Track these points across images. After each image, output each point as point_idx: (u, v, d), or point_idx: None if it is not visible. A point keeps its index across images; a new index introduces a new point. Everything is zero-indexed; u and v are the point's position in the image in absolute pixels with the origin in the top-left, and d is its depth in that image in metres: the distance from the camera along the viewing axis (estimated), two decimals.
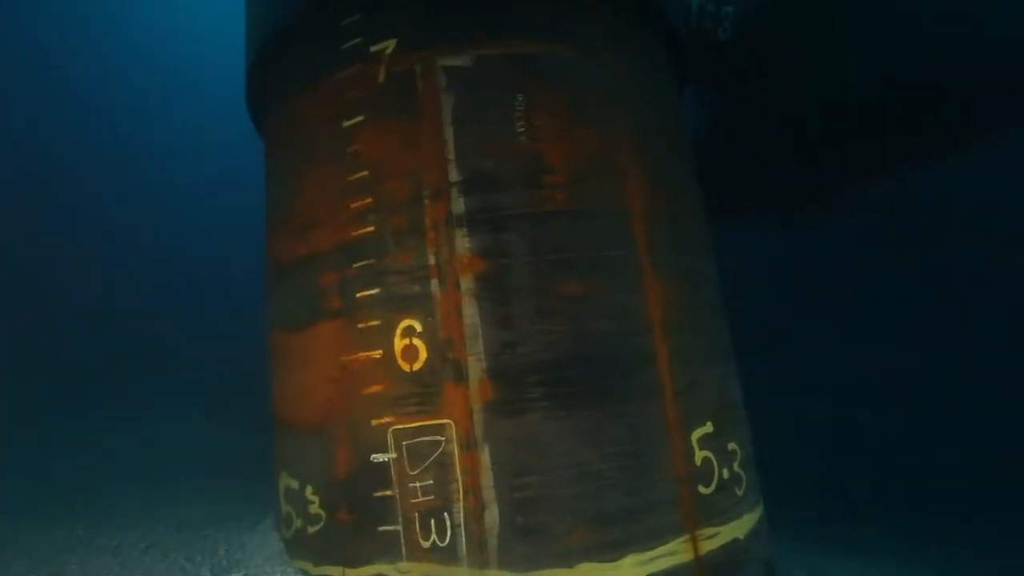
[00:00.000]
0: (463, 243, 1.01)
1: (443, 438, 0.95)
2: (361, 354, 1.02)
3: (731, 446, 1.11)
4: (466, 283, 0.99)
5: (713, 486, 1.04)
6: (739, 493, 1.09)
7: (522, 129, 1.07)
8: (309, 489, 1.06)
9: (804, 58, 1.79)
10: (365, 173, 1.09)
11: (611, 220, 1.08)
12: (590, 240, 1.05)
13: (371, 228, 1.06)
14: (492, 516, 0.92)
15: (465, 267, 1.00)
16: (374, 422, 0.99)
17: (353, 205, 1.08)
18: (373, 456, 0.98)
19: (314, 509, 1.05)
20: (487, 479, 0.92)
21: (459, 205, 1.03)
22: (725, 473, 1.07)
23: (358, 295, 1.05)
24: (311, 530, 1.05)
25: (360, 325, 1.03)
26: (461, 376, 0.96)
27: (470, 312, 0.98)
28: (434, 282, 1.00)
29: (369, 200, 1.07)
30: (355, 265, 1.06)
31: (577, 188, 1.07)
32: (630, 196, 1.11)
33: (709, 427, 1.07)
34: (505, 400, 0.95)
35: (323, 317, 1.08)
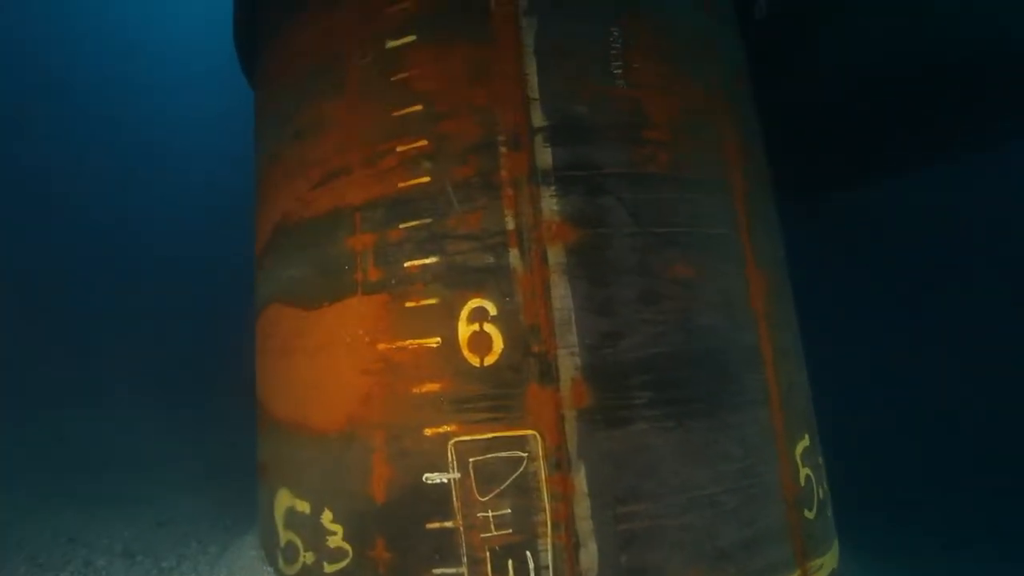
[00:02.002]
0: (551, 205, 0.79)
1: (525, 454, 0.74)
2: (411, 341, 0.79)
3: (820, 460, 0.98)
4: (555, 256, 0.78)
5: (815, 509, 0.89)
6: (829, 515, 0.96)
7: (619, 71, 0.87)
8: (327, 515, 0.81)
9: (839, 45, 1.71)
10: (418, 108, 0.84)
11: (714, 191, 0.90)
12: (695, 213, 0.86)
13: (426, 179, 0.82)
14: (590, 555, 0.72)
15: (554, 235, 0.79)
16: (429, 431, 0.76)
17: (400, 148, 0.84)
18: (427, 476, 0.75)
19: (335, 542, 0.80)
20: (583, 508, 0.72)
21: (545, 157, 0.81)
22: (820, 493, 0.93)
23: (407, 264, 0.81)
24: (330, 569, 0.80)
25: (410, 304, 0.79)
26: (549, 374, 0.75)
27: (561, 293, 0.77)
28: (513, 252, 0.78)
29: (424, 142, 0.83)
30: (403, 226, 0.82)
31: (679, 149, 0.88)
32: (730, 165, 0.94)
33: (807, 439, 0.93)
34: (605, 406, 0.75)
35: (354, 291, 0.83)
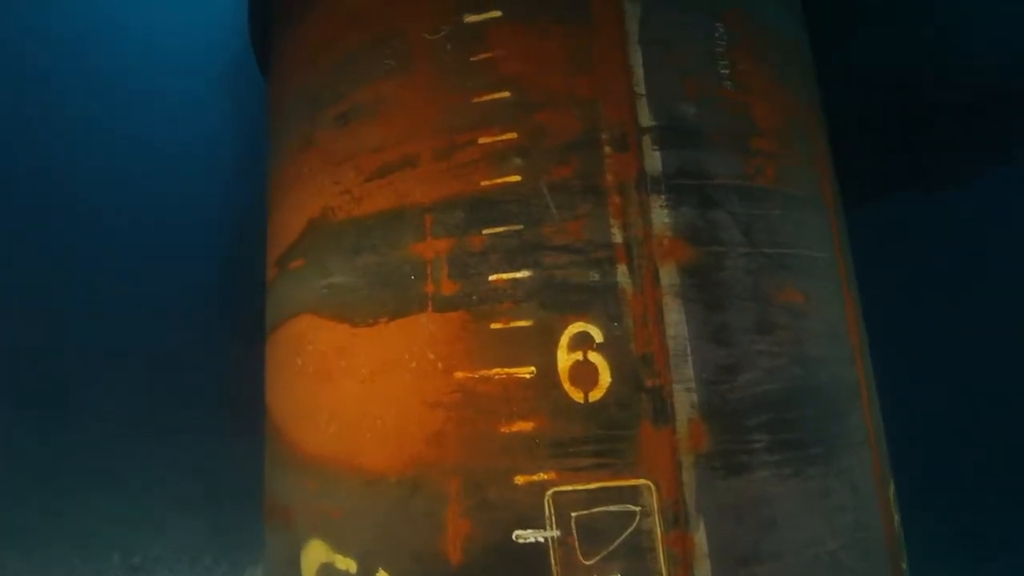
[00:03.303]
0: (662, 217, 0.69)
1: (638, 508, 0.63)
2: (498, 370, 0.66)
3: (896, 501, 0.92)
4: (668, 275, 0.68)
5: (906, 558, 0.84)
6: (904, 566, 0.90)
7: (726, 70, 0.78)
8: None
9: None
10: (505, 94, 0.72)
11: (815, 209, 0.83)
12: (800, 233, 0.78)
13: (516, 177, 0.70)
14: None
15: (666, 252, 0.68)
16: (520, 479, 0.64)
17: (484, 140, 0.72)
18: (518, 533, 0.63)
19: None
20: (703, 570, 0.62)
21: (654, 161, 0.71)
22: (903, 537, 0.88)
23: (492, 278, 0.68)
24: None
25: (496, 325, 0.67)
26: (664, 413, 0.65)
27: (675, 318, 0.67)
28: (621, 269, 0.67)
29: (512, 135, 0.71)
30: (487, 231, 0.69)
31: (784, 161, 0.80)
32: (823, 180, 0.87)
33: (891, 481, 0.87)
34: (724, 451, 0.65)
35: (422, 306, 0.70)
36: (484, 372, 0.66)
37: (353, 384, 0.73)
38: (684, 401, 0.65)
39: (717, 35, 0.78)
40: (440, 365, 0.68)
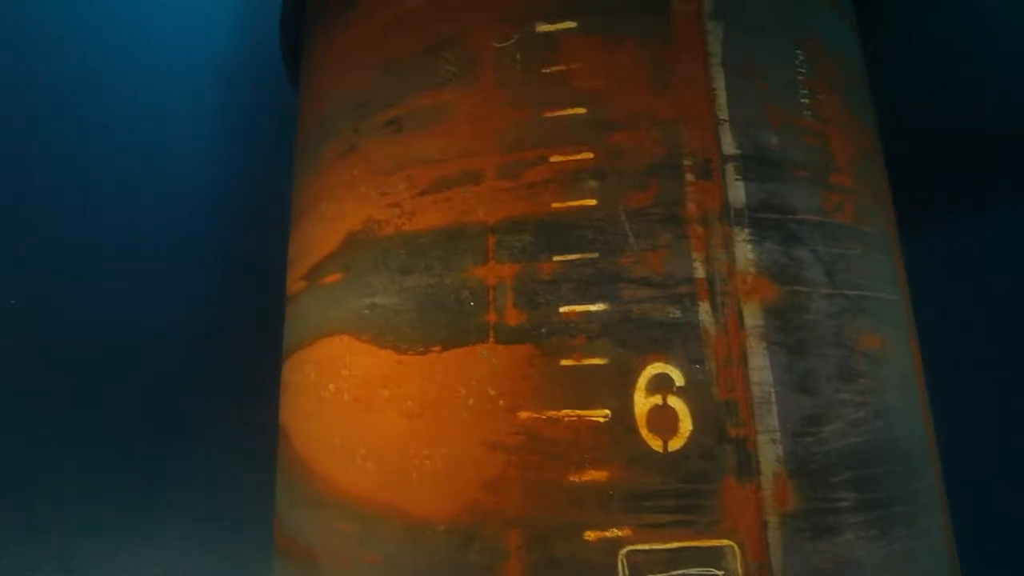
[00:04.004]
0: (746, 252, 0.64)
1: (721, 572, 0.57)
2: (568, 412, 0.60)
3: None
4: (752, 315, 0.63)
5: None
6: None
7: (806, 99, 0.74)
8: None
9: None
10: (580, 111, 0.67)
11: (886, 248, 0.79)
12: (875, 274, 0.75)
13: (591, 201, 0.65)
14: None
15: (750, 290, 0.64)
16: (591, 535, 0.58)
17: (556, 159, 0.66)
18: None
19: None
20: None
21: (737, 192, 0.66)
22: None
23: (564, 310, 0.63)
24: None
25: (567, 362, 0.61)
26: (749, 467, 0.59)
27: (759, 363, 0.62)
28: (704, 307, 0.62)
29: (588, 155, 0.66)
30: (558, 258, 0.64)
31: (860, 198, 0.76)
32: (889, 217, 0.84)
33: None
34: (810, 510, 0.60)
35: (483, 337, 0.64)
36: (552, 413, 0.60)
37: (398, 418, 0.67)
38: (769, 454, 0.60)
39: (797, 62, 0.74)
40: (502, 403, 0.62)
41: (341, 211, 0.79)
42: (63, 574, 1.03)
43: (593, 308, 0.62)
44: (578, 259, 0.63)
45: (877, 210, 0.79)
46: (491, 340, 0.63)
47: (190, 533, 1.25)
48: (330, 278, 0.79)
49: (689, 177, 0.65)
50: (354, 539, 0.68)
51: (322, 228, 0.82)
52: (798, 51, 0.75)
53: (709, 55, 0.69)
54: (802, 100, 0.73)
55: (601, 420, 0.59)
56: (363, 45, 0.83)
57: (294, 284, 0.90)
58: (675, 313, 0.62)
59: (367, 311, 0.72)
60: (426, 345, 0.66)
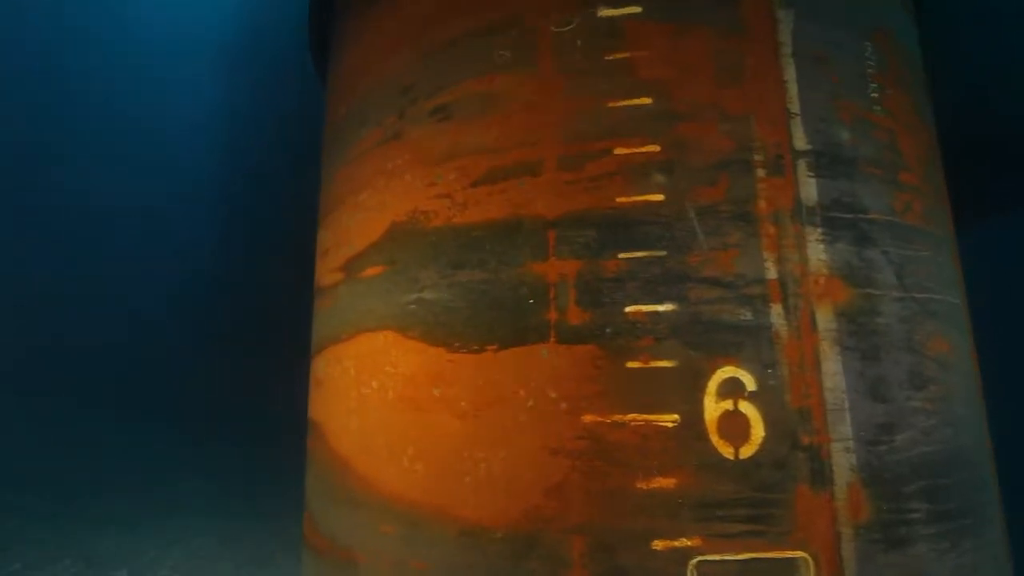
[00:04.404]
0: (818, 253, 0.62)
1: None
2: (635, 416, 0.58)
3: None
4: (824, 319, 0.61)
5: None
6: None
7: (875, 94, 0.71)
8: None
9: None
10: (646, 101, 0.64)
11: (949, 250, 0.77)
12: (941, 277, 0.72)
13: (658, 196, 0.62)
14: None
15: (823, 292, 0.61)
16: (659, 544, 0.56)
17: (621, 151, 0.63)
18: None
19: None
20: None
21: (809, 189, 0.64)
22: None
23: (629, 309, 0.60)
24: None
25: (633, 364, 0.59)
26: (822, 475, 0.57)
27: (832, 368, 0.60)
28: (776, 309, 0.60)
29: (655, 147, 0.63)
30: (624, 255, 0.61)
31: (927, 199, 0.74)
32: (949, 219, 0.82)
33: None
34: (884, 521, 0.58)
35: (543, 336, 0.61)
36: (618, 417, 0.58)
37: (450, 419, 0.64)
38: (843, 463, 0.58)
39: (867, 54, 0.71)
40: (564, 406, 0.59)
41: (383, 201, 0.76)
42: (83, 566, 1.01)
43: (661, 308, 0.59)
44: (645, 257, 0.60)
45: (940, 211, 0.77)
46: (552, 340, 0.60)
47: (206, 528, 1.22)
48: (371, 270, 0.75)
49: (760, 173, 0.62)
50: (400, 542, 0.66)
51: (361, 218, 0.79)
52: (867, 43, 0.72)
53: (779, 45, 0.66)
54: (872, 95, 0.70)
55: (669, 425, 0.57)
56: (407, 28, 0.79)
57: (328, 275, 0.87)
58: (746, 315, 0.59)
59: (414, 306, 0.69)
60: (481, 343, 0.63)
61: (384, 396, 0.70)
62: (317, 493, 0.83)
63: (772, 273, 0.60)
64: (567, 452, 0.58)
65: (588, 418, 0.58)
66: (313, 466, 0.85)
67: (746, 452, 0.56)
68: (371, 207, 0.77)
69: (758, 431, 0.57)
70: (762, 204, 0.61)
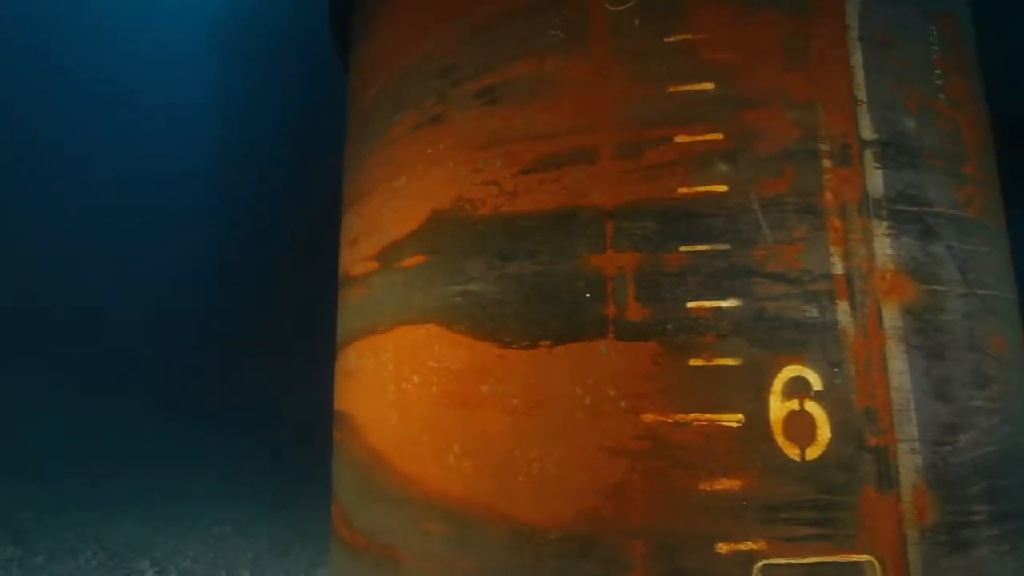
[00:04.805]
0: (884, 247, 0.60)
1: None
2: (698, 416, 0.56)
3: None
4: (891, 316, 0.59)
5: None
6: None
7: (940, 81, 0.68)
8: None
9: None
10: (708, 86, 0.61)
11: (1004, 245, 0.75)
12: (1001, 272, 0.70)
13: (721, 187, 0.59)
14: None
15: (889, 289, 0.59)
16: (723, 547, 0.54)
17: (682, 139, 0.60)
18: None
19: None
20: None
21: (876, 181, 0.61)
22: None
23: (692, 305, 0.58)
24: None
25: (696, 362, 0.57)
26: (889, 478, 0.56)
27: (899, 367, 0.58)
28: (842, 306, 0.58)
29: (718, 135, 0.60)
30: (685, 249, 0.59)
31: (986, 192, 0.72)
32: (1002, 211, 0.80)
33: None
34: (948, 524, 0.57)
35: (601, 332, 0.59)
36: (680, 417, 0.56)
37: (500, 415, 0.62)
38: (908, 464, 0.56)
39: (932, 39, 0.69)
40: (623, 404, 0.57)
41: (423, 188, 0.72)
42: (104, 557, 0.99)
43: (724, 304, 0.57)
44: (707, 250, 0.58)
45: (996, 203, 0.75)
46: (610, 335, 0.58)
47: (224, 517, 1.21)
48: (411, 260, 0.73)
49: (826, 163, 0.60)
50: (446, 543, 0.64)
51: (398, 205, 0.76)
52: (932, 26, 0.69)
53: (847, 28, 0.63)
54: (936, 82, 0.67)
55: (734, 425, 0.55)
56: (445, 5, 0.75)
57: (359, 264, 0.84)
58: (812, 312, 0.57)
59: (459, 298, 0.66)
60: (533, 338, 0.61)
61: (427, 391, 0.68)
62: (349, 487, 0.81)
63: (838, 268, 0.58)
64: (627, 452, 0.56)
65: (649, 417, 0.56)
66: (345, 459, 0.83)
67: (812, 453, 0.55)
68: (409, 194, 0.74)
69: (824, 432, 0.55)
70: (828, 196, 0.59)
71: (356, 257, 0.85)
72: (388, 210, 0.78)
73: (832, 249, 0.58)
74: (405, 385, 0.71)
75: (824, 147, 0.60)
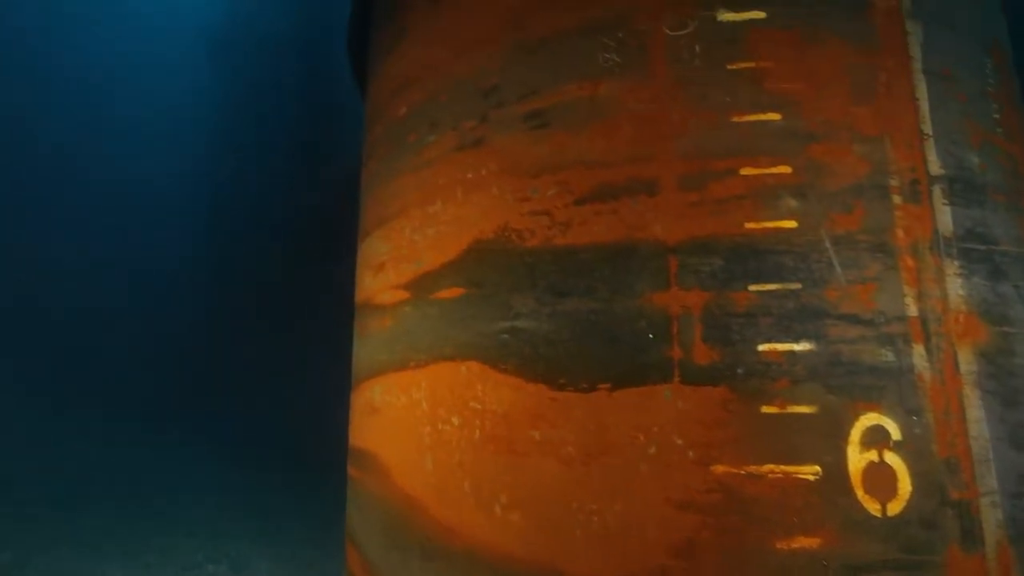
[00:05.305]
0: (956, 288, 0.57)
1: None
2: (773, 467, 0.53)
3: None
4: (965, 360, 0.56)
5: None
6: None
7: (997, 115, 0.67)
8: None
9: None
10: (775, 117, 0.58)
11: None
12: None
13: (791, 223, 0.56)
14: None
15: (963, 332, 0.57)
16: None
17: (748, 171, 0.57)
18: None
19: None
20: None
21: (945, 218, 0.59)
22: None
23: (763, 348, 0.54)
24: None
25: (769, 409, 0.53)
26: (974, 535, 0.53)
27: (976, 415, 0.55)
28: (919, 350, 0.55)
29: (786, 169, 0.57)
30: (755, 288, 0.55)
31: None
32: None
33: None
34: None
35: (666, 376, 0.55)
36: (753, 468, 0.52)
37: (554, 465, 0.58)
38: (990, 519, 0.54)
39: (987, 71, 0.67)
40: (692, 454, 0.53)
41: (462, 215, 0.68)
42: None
43: (797, 347, 0.54)
44: (778, 290, 0.55)
45: None
46: (676, 379, 0.55)
47: (218, 553, 1.13)
48: (448, 292, 0.68)
49: (896, 200, 0.57)
50: None
51: (432, 233, 0.72)
52: (987, 59, 0.67)
53: (912, 59, 0.61)
54: (994, 115, 0.66)
55: (811, 478, 0.52)
56: (487, 22, 0.72)
57: (385, 292, 0.79)
58: (888, 356, 0.54)
59: (506, 336, 0.62)
60: (591, 381, 0.57)
61: (469, 435, 0.63)
62: (374, 533, 0.76)
63: (913, 310, 0.55)
64: (697, 506, 0.52)
65: (719, 468, 0.53)
66: (368, 502, 0.78)
67: (893, 508, 0.52)
68: (446, 220, 0.70)
69: (905, 485, 0.52)
70: (900, 234, 0.57)
71: (382, 284, 0.81)
72: (421, 237, 0.73)
73: (906, 290, 0.56)
74: (443, 427, 0.66)
75: (894, 183, 0.58)
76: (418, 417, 0.69)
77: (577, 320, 0.59)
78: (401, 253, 0.77)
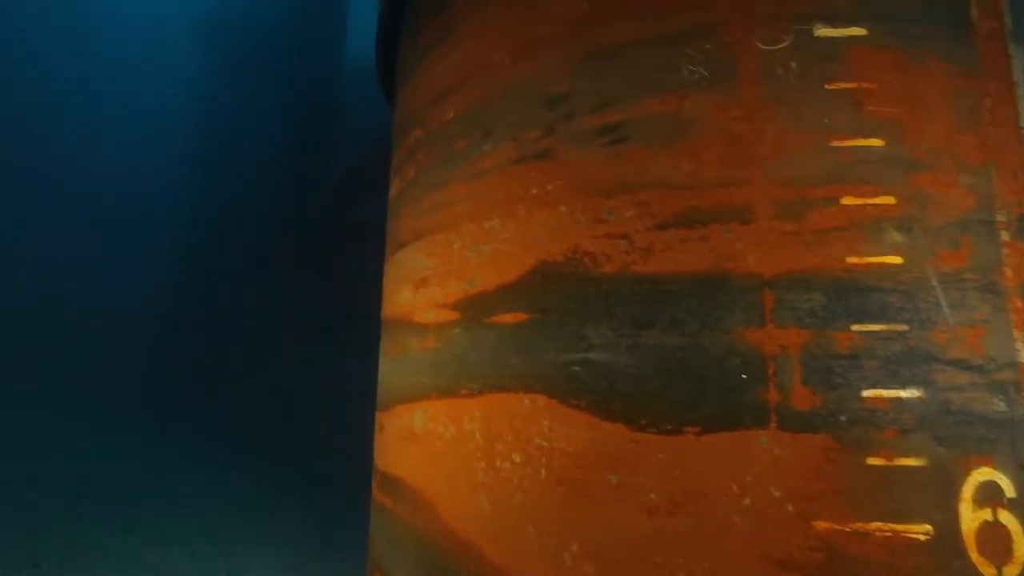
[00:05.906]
0: None
1: None
2: (879, 525, 0.48)
3: None
4: None
5: None
6: None
7: None
8: None
9: None
10: (877, 143, 0.54)
11: None
12: None
13: (895, 258, 0.52)
14: None
15: None
16: None
17: (849, 201, 0.53)
18: None
19: None
20: None
21: None
22: None
23: (868, 393, 0.50)
24: None
25: (875, 461, 0.49)
26: None
27: None
28: None
29: (890, 200, 0.53)
30: (858, 328, 0.51)
31: None
32: None
33: None
34: None
35: (762, 421, 0.51)
36: (859, 526, 0.48)
37: (634, 513, 0.53)
38: None
39: None
40: (791, 508, 0.49)
41: (525, 234, 0.63)
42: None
43: (904, 394, 0.50)
44: (883, 331, 0.51)
45: None
46: (772, 425, 0.50)
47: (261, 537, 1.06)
48: (508, 316, 0.63)
49: (1004, 236, 0.54)
50: None
51: (488, 250, 0.67)
52: None
53: (1015, 85, 0.58)
54: None
55: (922, 538, 0.48)
56: (555, 21, 0.67)
57: (429, 311, 0.74)
58: (999, 405, 0.51)
59: (577, 368, 0.57)
60: (677, 423, 0.53)
61: (533, 475, 0.58)
62: (409, 568, 0.70)
63: (1023, 356, 0.52)
64: (798, 566, 0.48)
65: (822, 525, 0.49)
66: (402, 535, 0.72)
67: (1010, 572, 0.48)
68: (505, 238, 0.65)
69: (1021, 547, 0.48)
70: (1008, 273, 0.53)
71: (424, 302, 0.75)
72: (475, 254, 0.68)
73: (1016, 334, 0.52)
74: (501, 463, 0.61)
75: (1001, 218, 0.54)
76: (471, 451, 0.64)
77: (661, 355, 0.54)
78: (449, 269, 0.72)
